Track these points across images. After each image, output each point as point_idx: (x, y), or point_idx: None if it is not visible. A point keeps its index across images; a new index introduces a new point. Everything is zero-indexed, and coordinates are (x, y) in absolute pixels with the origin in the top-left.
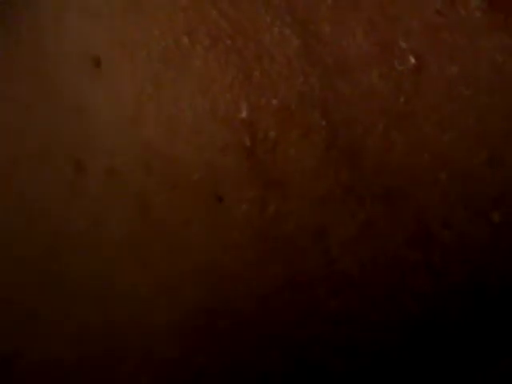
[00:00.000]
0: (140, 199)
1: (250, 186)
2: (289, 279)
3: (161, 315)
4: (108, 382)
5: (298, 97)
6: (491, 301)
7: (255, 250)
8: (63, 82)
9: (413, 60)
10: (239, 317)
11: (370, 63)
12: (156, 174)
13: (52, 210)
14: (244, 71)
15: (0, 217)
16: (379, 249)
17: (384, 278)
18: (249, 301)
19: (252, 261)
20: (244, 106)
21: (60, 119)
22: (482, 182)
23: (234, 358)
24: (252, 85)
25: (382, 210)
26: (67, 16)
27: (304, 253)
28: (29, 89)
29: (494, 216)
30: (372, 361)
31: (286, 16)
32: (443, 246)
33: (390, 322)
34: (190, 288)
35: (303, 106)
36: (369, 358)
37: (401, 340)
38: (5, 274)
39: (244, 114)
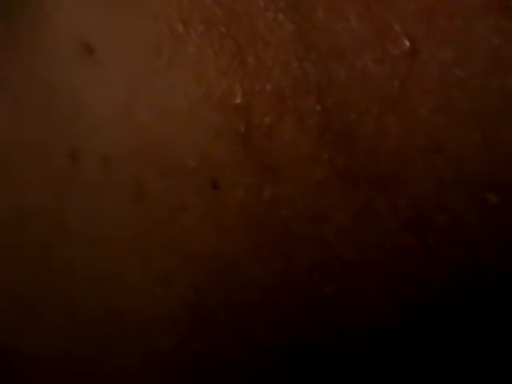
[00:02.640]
0: (135, 187)
1: (245, 172)
2: (285, 265)
3: (159, 304)
4: (107, 371)
5: (292, 82)
6: (489, 284)
7: (251, 236)
8: (57, 71)
9: (407, 44)
10: (236, 304)
11: (365, 47)
12: (151, 161)
13: (48, 201)
14: (238, 57)
15: None
16: (375, 233)
17: (380, 262)
18: (246, 287)
19: (248, 247)
20: (238, 92)
21: (54, 109)
22: (477, 165)
23: (231, 346)
24: (246, 70)
25: (377, 194)
26: (62, 5)
27: (300, 238)
28: (22, 79)
29: (490, 198)
30: (369, 346)
31: (280, 1)
32: (439, 230)
33: (386, 306)
34: (188, 276)
35: (298, 91)
36: (366, 343)
37: (397, 325)
38: (2, 267)
39: (238, 100)
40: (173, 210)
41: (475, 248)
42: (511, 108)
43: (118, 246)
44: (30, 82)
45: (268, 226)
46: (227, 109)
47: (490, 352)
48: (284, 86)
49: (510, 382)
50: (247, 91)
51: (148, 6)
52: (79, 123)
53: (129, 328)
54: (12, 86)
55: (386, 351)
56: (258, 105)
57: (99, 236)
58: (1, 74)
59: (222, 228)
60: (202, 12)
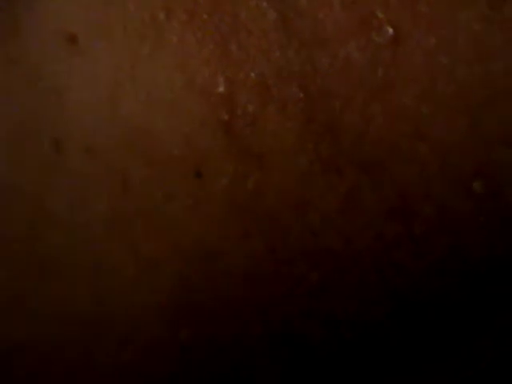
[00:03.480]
0: (120, 176)
1: (229, 161)
2: (271, 253)
3: (145, 293)
4: (94, 360)
5: (275, 70)
6: (475, 273)
7: (236, 225)
8: (40, 61)
9: (391, 31)
10: (223, 292)
11: (348, 35)
12: (135, 150)
13: (33, 191)
14: (221, 46)
15: None
16: (361, 222)
17: (366, 251)
18: (232, 277)
19: (233, 236)
20: (221, 81)
21: (38, 99)
22: (462, 153)
23: (218, 333)
24: (229, 59)
25: (362, 182)
26: None
27: (285, 227)
28: (5, 69)
29: (475, 186)
30: (355, 334)
31: None
32: (424, 219)
33: (372, 295)
34: (173, 264)
35: (281, 79)
36: (353, 330)
37: (384, 313)
38: None
39: (222, 89)
40: (157, 198)
41: (461, 237)
42: (495, 95)
43: (103, 234)
44: (13, 73)
45: (253, 215)
46: (211, 98)
47: (477, 340)
48: (267, 75)
49: (497, 369)
50: (230, 80)
51: None
52: (63, 114)
53: (117, 316)
54: None
55: (373, 339)
56: (242, 93)
57: (84, 224)
58: None
59: (207, 216)
60: (185, 1)
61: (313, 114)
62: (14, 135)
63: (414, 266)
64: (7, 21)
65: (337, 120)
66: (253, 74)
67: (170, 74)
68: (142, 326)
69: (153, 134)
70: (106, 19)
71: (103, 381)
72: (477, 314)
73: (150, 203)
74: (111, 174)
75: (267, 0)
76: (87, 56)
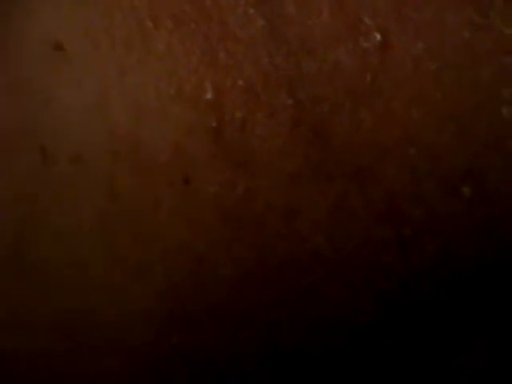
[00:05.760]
0: (108, 184)
1: (217, 168)
2: (260, 260)
3: (134, 300)
4: (82, 368)
5: (263, 77)
6: (463, 277)
7: (225, 232)
8: (27, 70)
9: (378, 37)
10: (212, 299)
11: (336, 41)
12: (123, 158)
13: (20, 198)
14: (209, 53)
15: None
16: (350, 227)
17: (356, 255)
18: (220, 283)
19: (221, 242)
20: (209, 88)
21: (24, 107)
22: (450, 157)
23: (207, 341)
24: (217, 66)
25: (351, 187)
26: (31, 5)
27: (274, 233)
28: None
29: (464, 191)
30: (345, 339)
31: None
32: (414, 223)
33: (362, 299)
34: (162, 272)
35: (269, 85)
36: (342, 336)
37: (374, 317)
38: None
39: (209, 96)
40: (145, 205)
41: (450, 240)
42: (483, 100)
43: (91, 241)
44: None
45: (241, 221)
46: (199, 105)
47: (468, 344)
48: (255, 81)
49: (488, 373)
50: (218, 87)
51: (117, 3)
52: (49, 122)
53: (105, 323)
54: None
55: (364, 342)
56: (230, 100)
57: (72, 231)
58: None
59: (195, 223)
60: (172, 8)
61: (301, 119)
62: (1, 143)
63: (403, 270)
64: None
65: (326, 125)
66: (241, 81)
67: (157, 82)
68: (130, 333)
69: (140, 141)
70: (93, 27)
71: None
72: (466, 318)
73: (138, 210)
74: (98, 182)
75: (255, 7)
76: (74, 64)
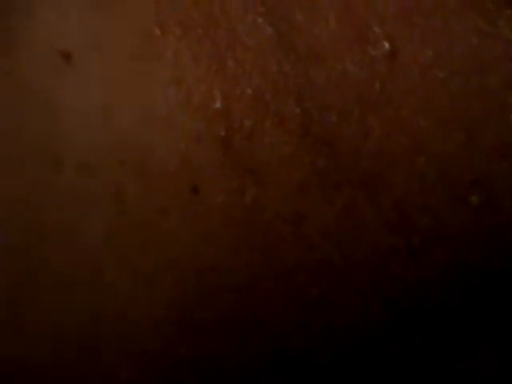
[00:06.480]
0: (115, 192)
1: (226, 176)
2: (268, 268)
3: (141, 308)
4: (88, 374)
5: (272, 85)
6: (472, 285)
7: (233, 240)
8: (35, 79)
9: (387, 45)
10: (219, 307)
11: (344, 49)
12: (130, 166)
13: (30, 205)
14: (217, 61)
15: None
16: (359, 235)
17: (364, 263)
18: (228, 291)
19: (230, 251)
20: (218, 96)
21: (32, 116)
22: (459, 165)
23: (215, 348)
24: (225, 74)
25: (360, 196)
26: (38, 13)
27: (283, 241)
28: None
29: (472, 199)
30: (354, 347)
31: (259, 4)
32: (423, 231)
33: (371, 308)
34: (169, 280)
35: (277, 94)
36: (350, 344)
37: (383, 324)
38: None
39: (218, 104)
40: (153, 213)
41: (458, 248)
42: (491, 107)
43: (99, 249)
44: (7, 91)
45: (250, 229)
46: (207, 113)
47: (475, 350)
48: (264, 90)
49: (496, 379)
50: (227, 95)
51: (124, 11)
52: (58, 130)
53: (113, 331)
54: None
55: (372, 350)
56: (238, 109)
57: (81, 239)
58: None
59: (203, 231)
60: (180, 16)
61: (310, 128)
62: (9, 152)
63: (412, 278)
64: (0, 36)
65: (334, 134)
66: (249, 89)
67: (165, 90)
68: (139, 341)
69: (148, 149)
70: (100, 35)
71: None
72: (474, 326)
73: (146, 218)
74: (106, 189)
75: (263, 15)
76: (81, 72)
